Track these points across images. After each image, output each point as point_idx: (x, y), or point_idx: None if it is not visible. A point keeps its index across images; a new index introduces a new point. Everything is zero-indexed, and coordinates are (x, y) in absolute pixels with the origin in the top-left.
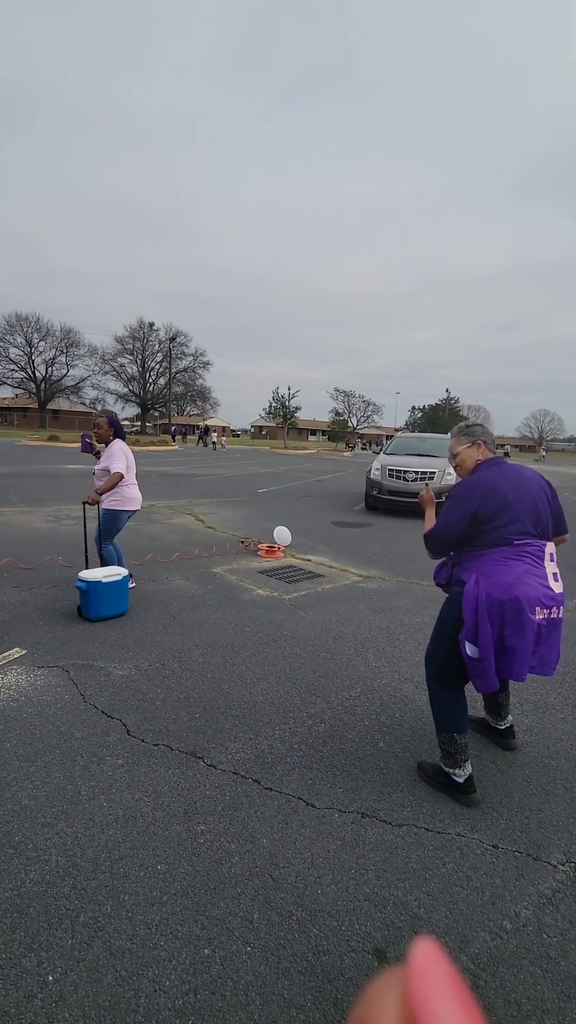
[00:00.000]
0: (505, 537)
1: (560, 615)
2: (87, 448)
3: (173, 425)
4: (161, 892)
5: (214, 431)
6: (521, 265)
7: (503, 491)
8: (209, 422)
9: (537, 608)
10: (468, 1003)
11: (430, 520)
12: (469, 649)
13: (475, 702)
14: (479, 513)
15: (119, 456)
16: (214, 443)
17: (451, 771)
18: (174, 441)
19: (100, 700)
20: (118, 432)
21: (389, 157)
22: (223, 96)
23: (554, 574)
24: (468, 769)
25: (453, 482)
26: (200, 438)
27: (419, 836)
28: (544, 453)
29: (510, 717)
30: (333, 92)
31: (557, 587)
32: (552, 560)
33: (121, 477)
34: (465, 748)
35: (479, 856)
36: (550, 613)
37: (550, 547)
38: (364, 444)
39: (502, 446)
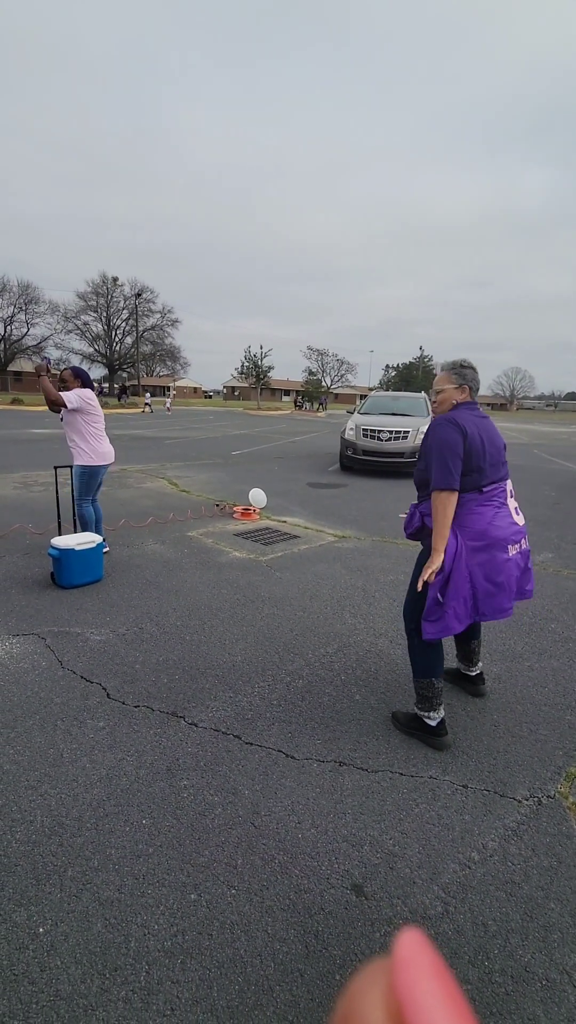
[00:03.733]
0: (476, 483)
1: (527, 545)
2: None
3: (96, 383)
4: (147, 845)
5: (168, 392)
6: (494, 215)
7: (479, 435)
8: (180, 383)
9: (510, 546)
10: (454, 994)
11: (441, 530)
12: (433, 598)
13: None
14: (464, 444)
15: (71, 398)
16: (148, 405)
17: (425, 715)
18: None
19: (78, 665)
20: (85, 382)
21: (359, 101)
22: (189, 36)
23: (515, 508)
24: (441, 712)
25: None
26: (118, 397)
27: (394, 780)
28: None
29: (480, 664)
30: (301, 34)
31: (520, 520)
32: (512, 496)
33: (57, 400)
34: (440, 693)
35: (450, 796)
36: (520, 545)
37: (509, 484)
38: (308, 402)
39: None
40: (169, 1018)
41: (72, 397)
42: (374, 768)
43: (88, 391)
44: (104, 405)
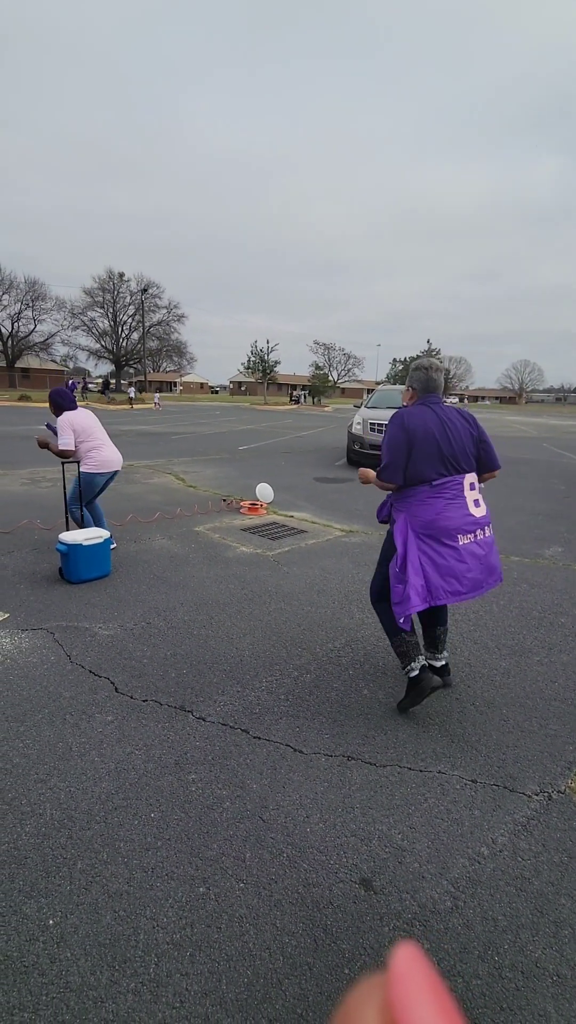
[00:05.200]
0: (427, 476)
1: (488, 535)
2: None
3: (70, 379)
4: (156, 838)
5: (158, 389)
6: (503, 206)
7: (431, 429)
8: (186, 378)
9: (459, 536)
10: (449, 1009)
11: (372, 474)
12: (395, 577)
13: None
14: (411, 442)
15: (64, 430)
16: (131, 399)
17: (407, 668)
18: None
19: (87, 660)
20: (65, 406)
21: (365, 90)
22: (195, 29)
23: (475, 500)
24: (421, 661)
25: None
26: (103, 392)
27: (402, 775)
28: (462, 402)
29: (446, 653)
30: (306, 26)
31: (478, 511)
32: (472, 488)
33: (63, 453)
34: (416, 646)
35: (459, 791)
36: (475, 536)
37: (470, 477)
38: (310, 397)
39: (460, 397)
40: (178, 1010)
41: (68, 441)
42: (382, 763)
43: (73, 414)
44: (83, 400)
